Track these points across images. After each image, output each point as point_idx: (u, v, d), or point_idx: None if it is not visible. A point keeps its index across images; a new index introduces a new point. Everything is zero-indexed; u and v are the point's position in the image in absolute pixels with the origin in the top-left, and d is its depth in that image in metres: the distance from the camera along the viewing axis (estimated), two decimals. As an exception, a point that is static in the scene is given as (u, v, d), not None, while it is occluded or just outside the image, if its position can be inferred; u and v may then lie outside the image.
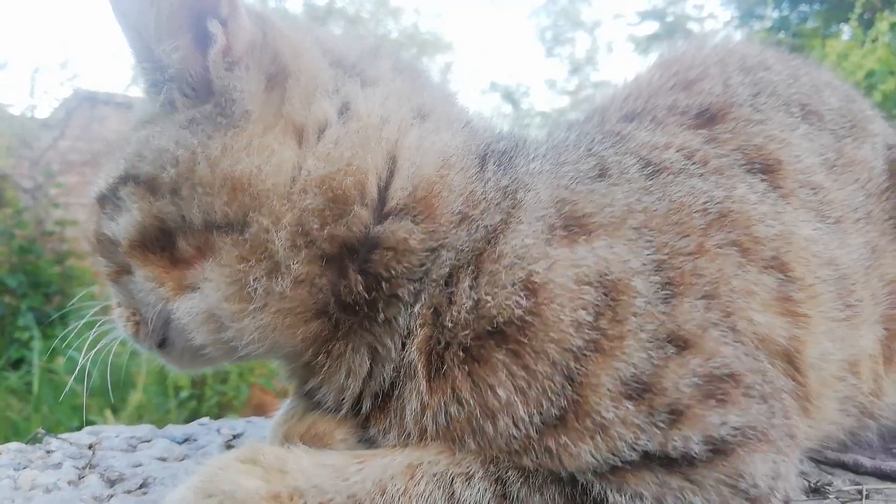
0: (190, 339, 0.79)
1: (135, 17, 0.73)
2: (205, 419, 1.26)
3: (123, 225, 0.77)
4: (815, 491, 0.91)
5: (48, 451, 1.03)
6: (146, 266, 0.77)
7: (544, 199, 0.76)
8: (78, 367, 0.86)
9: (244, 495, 0.68)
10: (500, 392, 0.70)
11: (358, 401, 0.79)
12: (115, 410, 4.42)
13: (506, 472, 0.72)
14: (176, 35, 0.73)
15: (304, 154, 0.75)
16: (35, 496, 0.85)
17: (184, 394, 4.68)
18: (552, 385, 0.69)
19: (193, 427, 1.20)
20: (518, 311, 0.70)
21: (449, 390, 0.72)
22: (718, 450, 0.70)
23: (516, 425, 0.70)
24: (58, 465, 0.97)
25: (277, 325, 0.76)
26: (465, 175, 0.78)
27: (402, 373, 0.75)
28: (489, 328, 0.71)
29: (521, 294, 0.70)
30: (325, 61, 0.81)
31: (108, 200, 0.80)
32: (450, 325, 0.72)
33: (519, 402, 0.70)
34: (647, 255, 0.75)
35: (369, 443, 0.79)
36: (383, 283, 0.75)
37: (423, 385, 0.73)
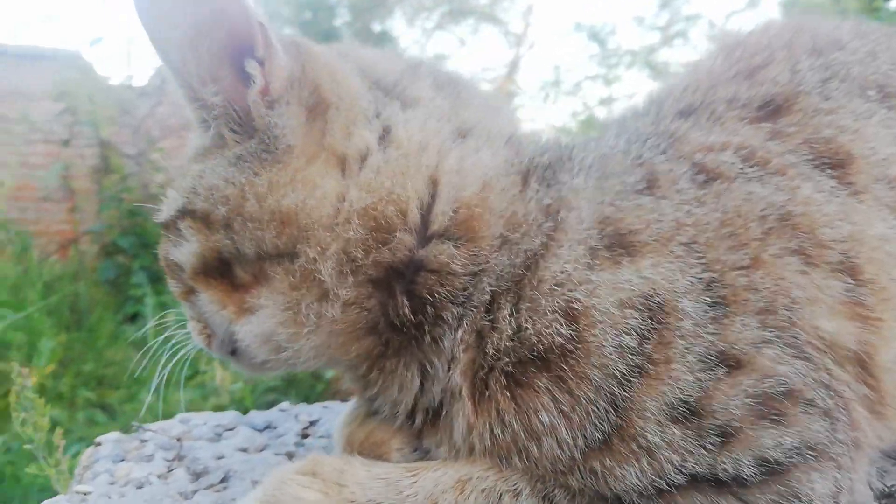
0: (252, 356, 0.84)
1: (177, 63, 0.76)
2: (285, 404, 1.33)
3: (186, 253, 0.82)
4: (889, 496, 0.88)
5: (142, 441, 1.13)
6: (209, 290, 0.82)
7: (586, 219, 0.75)
8: (154, 384, 0.92)
9: None
10: (544, 416, 0.71)
11: (411, 413, 0.82)
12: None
13: (552, 490, 0.74)
14: (217, 78, 0.75)
15: (346, 184, 0.77)
16: (128, 492, 0.93)
17: None
18: (596, 410, 0.69)
19: (274, 413, 1.27)
20: (559, 339, 0.70)
21: (493, 413, 0.73)
22: (772, 471, 0.69)
23: (560, 447, 0.71)
24: (150, 458, 1.05)
25: (331, 345, 0.80)
26: (506, 196, 0.78)
27: (448, 393, 0.77)
28: (531, 355, 0.72)
29: (562, 321, 0.70)
30: (364, 85, 0.81)
31: (171, 229, 0.85)
32: (492, 350, 0.74)
33: (563, 426, 0.71)
34: (697, 273, 0.72)
35: (424, 453, 0.82)
36: (428, 306, 0.77)
37: (469, 407, 0.75)
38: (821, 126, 0.86)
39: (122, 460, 1.05)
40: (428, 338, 0.77)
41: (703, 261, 0.73)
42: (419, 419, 0.81)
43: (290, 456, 1.07)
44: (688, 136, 0.86)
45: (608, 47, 9.31)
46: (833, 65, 0.94)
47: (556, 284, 0.72)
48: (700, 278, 0.72)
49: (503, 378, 0.73)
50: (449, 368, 0.77)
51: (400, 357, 0.80)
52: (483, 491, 0.74)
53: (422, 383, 0.79)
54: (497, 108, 0.90)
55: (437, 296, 0.76)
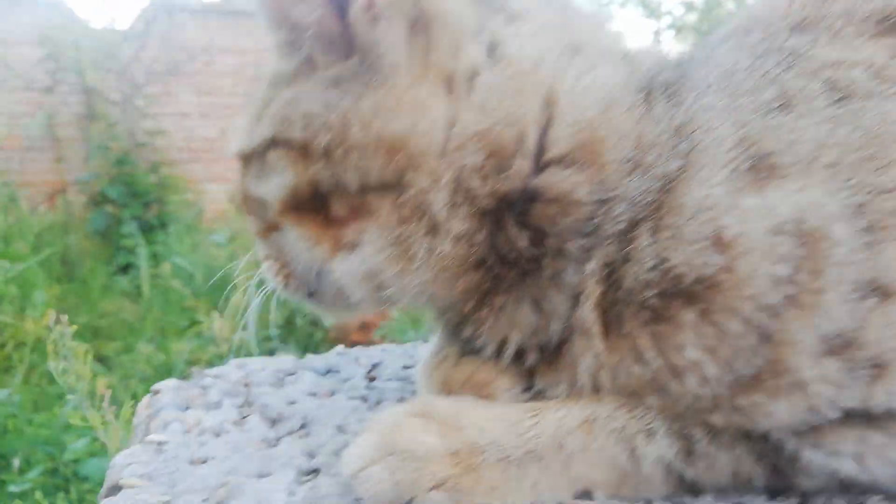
0: (346, 294, 0.78)
1: None
2: (340, 347, 1.28)
3: (274, 187, 0.76)
4: None
5: (203, 388, 1.08)
6: (300, 226, 0.76)
7: (726, 139, 0.69)
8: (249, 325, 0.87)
9: (424, 453, 0.68)
10: (689, 352, 0.66)
11: (520, 352, 0.78)
12: (221, 311, 4.66)
13: (690, 429, 0.69)
14: None
15: (457, 106, 0.70)
16: (208, 440, 0.88)
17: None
18: (746, 344, 0.65)
19: (332, 357, 1.23)
20: (708, 270, 0.65)
21: (629, 350, 0.69)
22: None
23: (705, 384, 0.66)
24: (218, 405, 1.00)
25: (437, 280, 0.74)
26: (632, 116, 0.72)
27: (573, 330, 0.72)
28: (674, 287, 0.66)
29: (711, 250, 0.65)
30: None
31: (253, 160, 0.78)
32: (628, 284, 0.68)
33: (708, 361, 0.66)
34: (845, 197, 0.67)
35: (535, 393, 0.78)
36: (548, 239, 0.71)
37: (600, 344, 0.70)
38: None
39: (188, 408, 1.00)
40: (548, 272, 0.72)
41: (849, 184, 0.68)
42: (532, 358, 0.76)
43: (364, 399, 1.03)
44: (811, 53, 0.80)
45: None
46: None
47: (700, 210, 0.66)
48: (848, 203, 0.67)
49: (642, 313, 0.68)
50: (573, 304, 0.72)
51: (511, 293, 0.75)
52: (613, 431, 0.70)
53: (536, 321, 0.74)
54: (601, 24, 0.83)
55: (558, 227, 0.71)
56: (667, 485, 0.71)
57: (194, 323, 4.60)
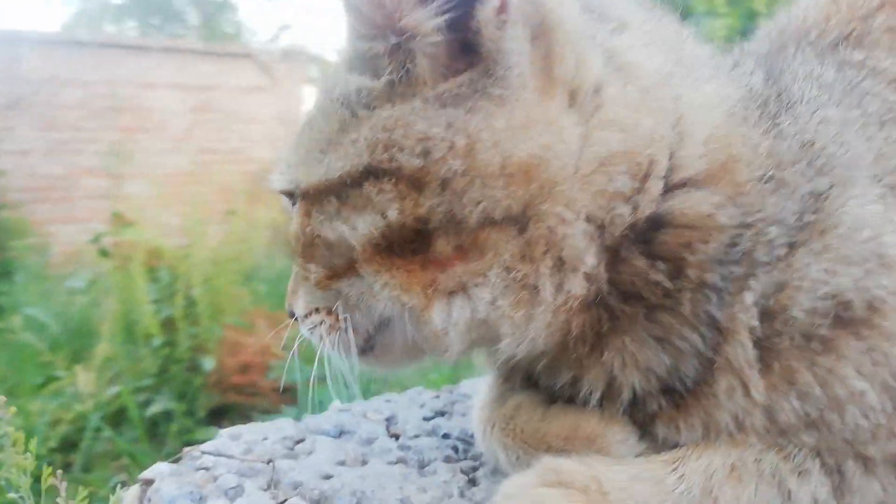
0: (444, 346, 0.68)
1: None
2: (336, 403, 1.14)
3: (363, 226, 0.64)
4: None
5: (208, 469, 0.91)
6: (388, 271, 0.65)
7: (864, 155, 0.67)
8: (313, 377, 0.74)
9: None
10: (853, 382, 0.62)
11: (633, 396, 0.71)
12: (80, 360, 4.24)
13: (844, 463, 0.65)
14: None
15: (587, 124, 0.63)
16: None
17: (156, 341, 4.53)
18: None
19: (335, 416, 1.09)
20: (878, 291, 0.61)
21: (786, 385, 0.63)
22: None
23: (866, 415, 0.63)
24: (239, 490, 0.84)
25: (554, 323, 0.66)
26: (758, 130, 0.67)
27: (713, 368, 0.66)
28: (844, 313, 0.62)
29: (879, 271, 0.62)
30: (576, 4, 0.67)
31: (324, 197, 0.66)
32: (793, 313, 0.63)
33: (870, 390, 0.62)
34: None
35: (651, 442, 0.71)
36: (688, 269, 0.65)
37: (759, 382, 0.64)
38: None
39: (204, 499, 0.83)
40: (686, 307, 0.65)
41: None
42: (656, 403, 0.69)
43: (405, 462, 0.91)
44: (880, 66, 0.80)
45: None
46: None
47: (860, 229, 0.63)
48: None
49: (801, 342, 0.63)
50: (715, 340, 0.66)
51: (631, 332, 0.68)
52: (763, 475, 0.65)
53: (666, 360, 0.68)
54: (689, 35, 0.78)
55: (698, 255, 0.64)
56: None
57: (52, 379, 4.14)
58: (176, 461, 0.95)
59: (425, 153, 0.61)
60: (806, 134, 0.69)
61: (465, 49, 0.62)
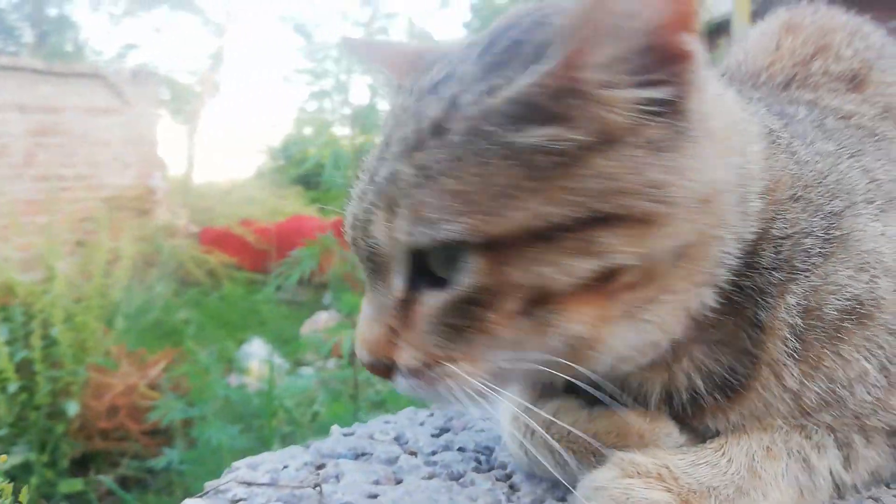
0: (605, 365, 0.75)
1: (622, 52, 0.65)
2: (336, 427, 1.16)
3: (580, 269, 0.66)
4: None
5: (243, 500, 0.91)
6: (577, 306, 0.69)
7: (862, 180, 0.83)
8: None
9: None
10: (862, 363, 0.77)
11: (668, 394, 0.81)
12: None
13: (850, 436, 0.80)
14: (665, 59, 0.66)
15: (739, 158, 0.75)
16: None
17: (12, 386, 4.19)
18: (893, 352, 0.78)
19: (341, 439, 1.11)
20: (879, 292, 0.77)
21: (815, 371, 0.77)
22: None
23: (868, 391, 0.78)
24: (292, 517, 0.86)
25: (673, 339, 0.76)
26: (785, 156, 0.82)
27: (757, 363, 0.78)
28: (852, 308, 0.77)
29: (883, 277, 0.77)
30: None
31: (525, 244, 0.67)
32: (819, 310, 0.77)
33: (872, 369, 0.77)
34: None
35: (691, 433, 0.82)
36: (756, 276, 0.77)
37: (788, 370, 0.77)
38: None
39: (257, 531, 0.84)
40: (749, 311, 0.77)
41: None
42: (711, 398, 0.79)
43: (439, 477, 0.96)
44: (825, 104, 0.98)
45: (315, 40, 9.31)
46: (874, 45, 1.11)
47: (867, 242, 0.78)
48: None
49: (826, 332, 0.77)
50: (759, 338, 0.77)
51: (703, 338, 0.78)
52: (790, 452, 0.77)
53: (727, 361, 0.78)
54: None
55: (764, 263, 0.77)
56: (829, 493, 0.80)
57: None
58: (202, 496, 0.94)
59: (652, 197, 0.66)
60: (822, 165, 0.83)
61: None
